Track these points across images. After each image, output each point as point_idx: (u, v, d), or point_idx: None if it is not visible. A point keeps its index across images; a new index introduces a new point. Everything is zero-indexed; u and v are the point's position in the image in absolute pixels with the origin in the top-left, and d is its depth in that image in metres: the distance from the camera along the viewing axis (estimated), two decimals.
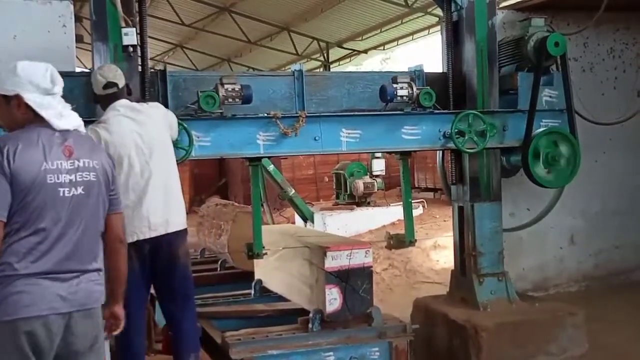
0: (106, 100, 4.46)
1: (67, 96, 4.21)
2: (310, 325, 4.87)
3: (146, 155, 4.32)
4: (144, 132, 4.36)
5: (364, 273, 4.92)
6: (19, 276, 2.91)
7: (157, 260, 4.37)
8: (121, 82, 4.47)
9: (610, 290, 7.35)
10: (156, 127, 4.45)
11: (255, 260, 6.16)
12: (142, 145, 4.33)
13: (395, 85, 5.47)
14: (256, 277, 6.27)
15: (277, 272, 5.86)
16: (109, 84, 4.43)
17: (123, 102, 4.43)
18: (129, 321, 4.28)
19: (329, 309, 4.82)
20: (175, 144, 4.87)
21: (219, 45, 23.39)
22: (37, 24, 5.55)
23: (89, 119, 4.56)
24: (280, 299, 5.87)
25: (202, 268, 7.38)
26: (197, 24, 21.15)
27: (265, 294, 6.15)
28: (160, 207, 4.32)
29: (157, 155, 4.37)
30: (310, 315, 4.90)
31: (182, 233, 4.45)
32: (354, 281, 4.86)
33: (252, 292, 6.19)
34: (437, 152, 6.71)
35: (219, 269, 7.18)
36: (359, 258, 4.90)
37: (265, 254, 5.53)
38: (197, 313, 5.53)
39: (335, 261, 4.83)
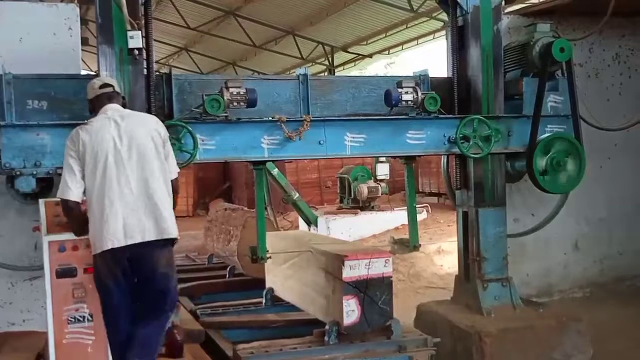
0: (100, 101, 4.28)
1: (72, 98, 4.27)
2: (326, 338, 4.72)
3: (124, 160, 4.10)
4: (126, 137, 4.14)
5: (384, 283, 4.74)
6: None
7: (137, 269, 4.14)
8: (117, 87, 4.38)
9: (615, 297, 7.33)
10: (141, 134, 4.19)
11: (266, 268, 6.09)
12: (121, 150, 4.11)
13: (400, 90, 5.48)
14: (267, 285, 6.14)
15: (290, 281, 5.73)
16: (105, 85, 4.31)
17: (114, 106, 4.27)
18: (114, 332, 4.15)
19: (346, 321, 4.64)
20: (180, 148, 4.87)
21: (224, 48, 23.37)
22: (43, 26, 5.58)
23: None
24: (293, 308, 5.73)
25: (210, 275, 7.31)
26: (203, 27, 21.14)
27: (276, 303, 6.02)
28: (139, 214, 4.08)
29: (138, 161, 4.13)
30: (327, 327, 4.75)
31: (164, 243, 4.16)
32: (372, 292, 4.69)
33: (263, 301, 6.07)
34: (442, 156, 6.71)
35: (227, 275, 7.09)
36: (378, 267, 4.71)
37: (269, 257, 5.50)
38: (207, 322, 5.44)
39: (354, 271, 4.65)
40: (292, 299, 5.75)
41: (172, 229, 4.17)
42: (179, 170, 4.38)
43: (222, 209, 8.04)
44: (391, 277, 4.80)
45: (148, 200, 4.11)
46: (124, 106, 4.35)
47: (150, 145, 4.19)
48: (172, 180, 4.28)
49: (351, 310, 4.64)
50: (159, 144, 4.22)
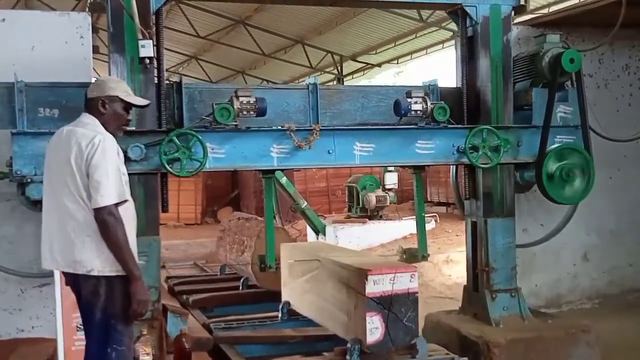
0: None
1: (83, 107, 4.27)
2: (348, 357, 4.54)
3: (52, 181, 3.78)
4: (56, 155, 3.78)
5: (409, 300, 4.53)
6: None
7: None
8: (93, 93, 3.85)
9: (624, 308, 7.28)
10: (63, 153, 3.72)
11: (283, 281, 6.01)
12: (50, 170, 3.83)
13: (409, 100, 5.49)
14: (284, 298, 6.00)
15: (308, 295, 5.58)
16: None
17: (88, 118, 3.83)
18: None
19: (369, 339, 4.44)
20: (190, 156, 4.88)
21: (233, 57, 23.46)
22: (55, 35, 5.63)
23: None
24: (311, 323, 5.57)
25: (223, 286, 7.23)
26: (212, 36, 21.24)
27: (293, 317, 5.87)
28: (55, 239, 3.72)
29: (58, 183, 3.73)
30: (348, 345, 4.57)
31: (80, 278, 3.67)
32: (397, 309, 4.48)
33: (279, 315, 5.95)
34: (451, 166, 6.70)
35: (241, 287, 7.01)
36: (403, 283, 4.50)
37: (278, 266, 5.47)
38: (220, 337, 5.33)
39: (377, 286, 4.43)
40: (310, 314, 5.58)
41: (85, 264, 3.63)
42: (111, 202, 3.59)
43: (235, 218, 7.94)
44: (417, 292, 4.57)
45: (64, 227, 3.67)
46: (101, 114, 3.81)
47: (68, 168, 3.66)
48: (94, 210, 3.59)
49: (375, 328, 4.45)
50: (80, 167, 3.64)
